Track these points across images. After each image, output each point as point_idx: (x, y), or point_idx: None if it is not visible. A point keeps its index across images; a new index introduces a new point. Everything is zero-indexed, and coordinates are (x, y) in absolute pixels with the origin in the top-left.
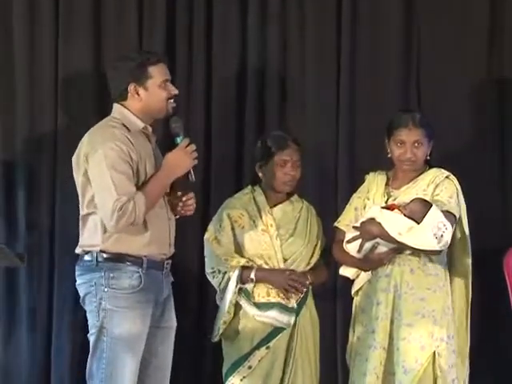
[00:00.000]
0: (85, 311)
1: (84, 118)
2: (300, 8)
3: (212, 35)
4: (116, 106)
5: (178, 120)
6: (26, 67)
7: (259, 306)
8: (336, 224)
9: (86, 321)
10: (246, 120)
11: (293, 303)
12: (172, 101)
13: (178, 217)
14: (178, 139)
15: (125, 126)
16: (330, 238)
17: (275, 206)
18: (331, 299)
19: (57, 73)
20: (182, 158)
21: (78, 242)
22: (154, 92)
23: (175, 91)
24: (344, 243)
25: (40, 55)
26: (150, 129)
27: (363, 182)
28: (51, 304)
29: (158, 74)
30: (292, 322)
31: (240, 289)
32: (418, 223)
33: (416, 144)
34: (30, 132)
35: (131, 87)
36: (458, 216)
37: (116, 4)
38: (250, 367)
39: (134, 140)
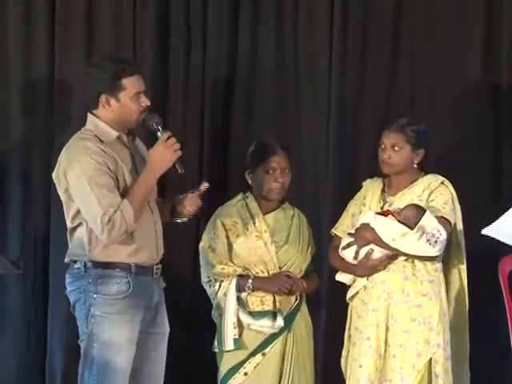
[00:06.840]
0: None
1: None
2: (294, 10)
3: (206, 37)
4: (90, 117)
5: (154, 116)
6: (21, 67)
7: (253, 314)
8: (333, 230)
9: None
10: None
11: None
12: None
13: (186, 219)
14: (159, 133)
15: (97, 137)
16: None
17: (267, 213)
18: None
19: (53, 74)
20: (164, 152)
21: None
22: (125, 104)
23: (147, 103)
24: (340, 249)
25: (36, 56)
26: (124, 138)
27: (360, 188)
28: (46, 309)
29: (131, 85)
30: (280, 323)
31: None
32: (412, 229)
33: (395, 148)
34: (24, 134)
35: (103, 98)
36: (453, 222)
37: (110, 6)
38: (245, 374)
39: (109, 150)
